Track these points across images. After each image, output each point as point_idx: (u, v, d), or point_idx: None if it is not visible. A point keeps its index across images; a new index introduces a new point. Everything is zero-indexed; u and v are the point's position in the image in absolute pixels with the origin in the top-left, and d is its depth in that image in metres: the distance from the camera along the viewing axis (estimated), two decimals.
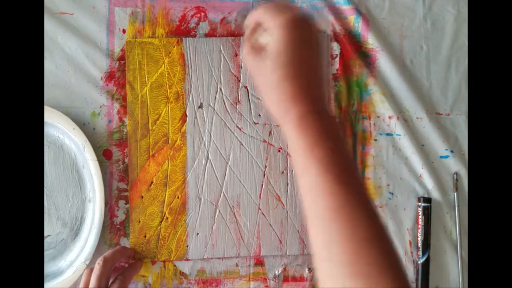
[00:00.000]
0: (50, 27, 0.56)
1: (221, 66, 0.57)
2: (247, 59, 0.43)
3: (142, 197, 0.56)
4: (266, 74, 0.41)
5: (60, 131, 0.56)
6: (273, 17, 0.41)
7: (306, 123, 0.38)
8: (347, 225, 0.35)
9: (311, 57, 0.41)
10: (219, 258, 0.57)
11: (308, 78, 0.40)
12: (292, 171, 0.57)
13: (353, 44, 0.58)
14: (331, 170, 0.36)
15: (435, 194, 0.58)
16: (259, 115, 0.57)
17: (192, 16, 0.58)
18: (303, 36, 0.41)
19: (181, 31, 0.58)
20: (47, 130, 0.56)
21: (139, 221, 0.56)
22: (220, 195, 0.57)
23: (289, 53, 0.40)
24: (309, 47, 0.41)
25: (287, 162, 0.57)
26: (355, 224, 0.35)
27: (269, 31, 0.41)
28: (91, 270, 0.51)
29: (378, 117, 0.59)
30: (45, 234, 0.56)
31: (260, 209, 0.57)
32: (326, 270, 0.35)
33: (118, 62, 0.57)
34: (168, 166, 0.56)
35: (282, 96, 0.39)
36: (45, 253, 0.56)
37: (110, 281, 0.51)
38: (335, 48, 0.58)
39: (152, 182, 0.56)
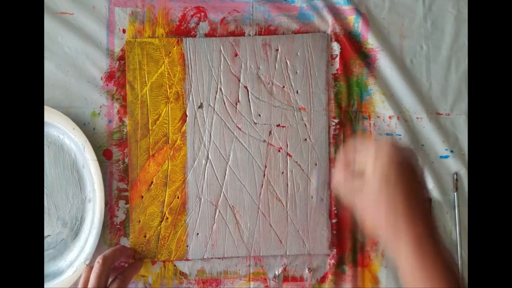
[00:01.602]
0: (50, 27, 0.56)
1: (221, 66, 0.57)
2: (345, 183, 0.45)
3: (142, 197, 0.56)
4: (370, 195, 0.42)
5: (60, 131, 0.56)
6: (371, 159, 0.42)
7: (424, 245, 0.39)
8: None
9: (415, 186, 0.42)
10: (219, 258, 0.57)
11: (416, 202, 0.41)
12: (292, 171, 0.57)
13: (353, 44, 0.58)
14: None
15: (435, 194, 0.58)
16: (259, 115, 0.57)
17: (192, 16, 0.58)
18: (407, 170, 0.42)
19: (181, 31, 0.58)
20: (47, 130, 0.56)
21: (139, 221, 0.56)
22: (220, 195, 0.57)
23: (400, 180, 0.41)
24: (412, 179, 0.42)
25: (287, 162, 0.57)
26: None
27: (372, 158, 0.42)
28: (91, 268, 0.51)
29: (378, 117, 0.59)
30: (45, 234, 0.56)
31: (260, 209, 0.57)
32: None
33: (118, 62, 0.57)
34: (168, 166, 0.56)
35: (395, 217, 0.40)
36: (45, 253, 0.56)
37: (110, 280, 0.51)
38: (335, 48, 0.58)
39: (152, 182, 0.56)
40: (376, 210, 0.41)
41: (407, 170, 0.41)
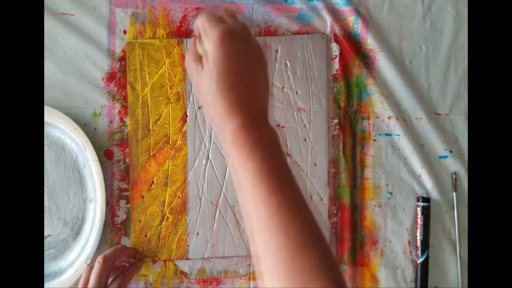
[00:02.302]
0: (50, 27, 0.56)
1: None
2: (188, 66, 0.44)
3: (143, 197, 0.56)
4: (205, 85, 0.41)
5: (61, 131, 0.56)
6: (210, 27, 0.41)
7: (240, 137, 0.39)
8: (280, 234, 0.36)
9: (246, 70, 0.42)
10: (219, 258, 0.57)
11: (243, 91, 0.41)
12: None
13: (353, 45, 0.59)
14: (263, 181, 0.38)
15: (434, 194, 0.58)
16: None
17: (192, 17, 0.58)
18: (239, 49, 0.41)
19: (182, 32, 0.58)
20: (48, 130, 0.56)
21: (140, 221, 0.56)
22: (221, 195, 0.57)
23: (223, 66, 0.40)
24: (245, 60, 0.42)
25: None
26: (287, 232, 0.35)
27: (206, 41, 0.42)
28: (91, 268, 0.51)
29: (377, 117, 0.59)
30: (46, 233, 0.56)
31: None
32: (268, 283, 0.36)
33: (119, 62, 0.57)
34: (168, 166, 0.57)
35: (218, 110, 0.40)
36: (46, 252, 0.56)
37: (110, 279, 0.52)
38: (335, 48, 0.59)
39: (152, 182, 0.56)
40: (209, 101, 0.42)
41: (233, 50, 0.41)
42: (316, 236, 0.36)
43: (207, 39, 0.42)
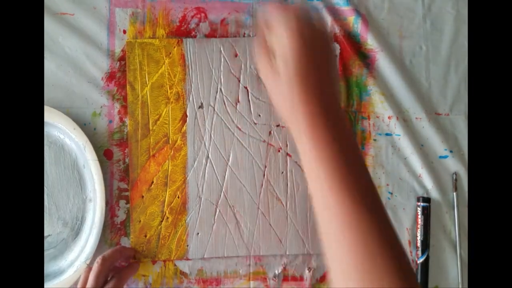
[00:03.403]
0: (50, 27, 0.56)
1: (221, 67, 0.57)
2: (259, 60, 0.43)
3: (143, 197, 0.56)
4: (277, 76, 0.41)
5: (61, 131, 0.56)
6: (281, 21, 0.41)
7: (317, 123, 0.38)
8: (358, 239, 0.34)
9: (321, 60, 0.41)
10: (219, 258, 0.57)
11: (320, 79, 0.40)
12: (292, 171, 0.57)
13: (353, 45, 0.59)
14: (338, 174, 0.36)
15: (434, 194, 0.58)
16: (259, 115, 0.57)
17: (192, 17, 0.58)
18: (313, 41, 0.40)
19: (182, 31, 0.58)
20: (48, 130, 0.56)
21: (140, 221, 0.56)
22: (220, 195, 0.57)
23: (300, 58, 0.39)
24: (320, 50, 0.41)
25: (287, 162, 0.57)
26: (365, 235, 0.34)
27: (279, 34, 0.41)
28: (90, 268, 0.51)
29: (377, 117, 0.59)
30: (46, 233, 0.56)
31: (260, 209, 0.57)
32: (346, 283, 0.35)
33: (118, 62, 0.57)
34: (168, 166, 0.57)
35: (292, 97, 0.39)
36: (46, 252, 0.56)
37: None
38: (335, 48, 0.58)
39: (152, 182, 0.56)
40: (281, 90, 0.40)
41: (310, 50, 0.40)
42: (394, 238, 0.36)
43: (279, 33, 0.41)
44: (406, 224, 0.58)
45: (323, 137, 0.37)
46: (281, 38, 0.40)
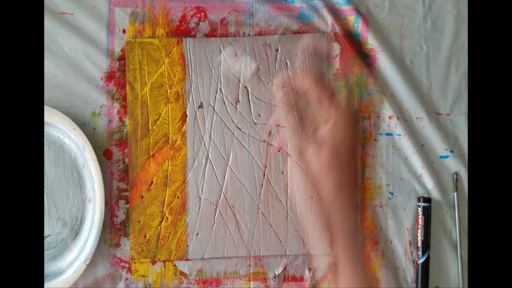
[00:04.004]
0: (50, 27, 0.56)
1: (221, 66, 0.57)
2: (308, 143, 0.43)
3: (142, 197, 0.56)
4: (318, 149, 0.42)
5: (60, 131, 0.56)
6: (332, 102, 0.41)
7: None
8: None
9: (353, 157, 0.42)
10: (219, 258, 0.57)
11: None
12: (292, 171, 0.57)
13: (353, 44, 0.58)
14: None
15: (435, 194, 0.58)
16: (259, 115, 0.57)
17: (192, 16, 0.58)
18: (355, 133, 0.41)
19: (181, 31, 0.58)
20: (47, 130, 0.56)
21: (139, 221, 0.56)
22: (220, 195, 0.57)
23: (344, 154, 0.41)
24: (354, 146, 0.42)
25: (287, 162, 0.57)
26: None
27: (326, 117, 0.41)
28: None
29: (378, 117, 0.59)
30: (46, 234, 0.56)
31: (260, 209, 0.57)
32: None
33: (118, 62, 0.57)
34: (168, 166, 0.56)
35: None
36: (45, 253, 0.56)
37: None
38: (335, 48, 0.58)
39: (152, 182, 0.56)
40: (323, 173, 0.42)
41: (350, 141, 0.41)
42: None
43: (326, 116, 0.41)
44: (406, 224, 0.58)
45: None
46: (327, 120, 0.41)
